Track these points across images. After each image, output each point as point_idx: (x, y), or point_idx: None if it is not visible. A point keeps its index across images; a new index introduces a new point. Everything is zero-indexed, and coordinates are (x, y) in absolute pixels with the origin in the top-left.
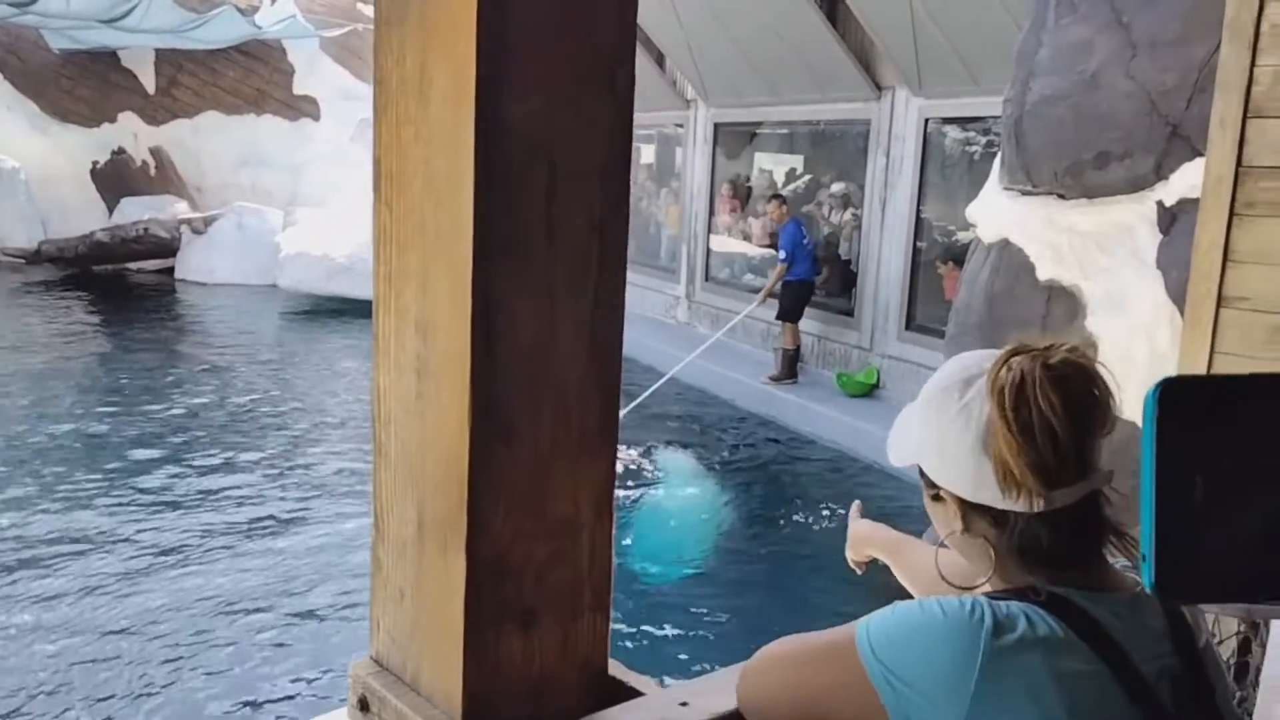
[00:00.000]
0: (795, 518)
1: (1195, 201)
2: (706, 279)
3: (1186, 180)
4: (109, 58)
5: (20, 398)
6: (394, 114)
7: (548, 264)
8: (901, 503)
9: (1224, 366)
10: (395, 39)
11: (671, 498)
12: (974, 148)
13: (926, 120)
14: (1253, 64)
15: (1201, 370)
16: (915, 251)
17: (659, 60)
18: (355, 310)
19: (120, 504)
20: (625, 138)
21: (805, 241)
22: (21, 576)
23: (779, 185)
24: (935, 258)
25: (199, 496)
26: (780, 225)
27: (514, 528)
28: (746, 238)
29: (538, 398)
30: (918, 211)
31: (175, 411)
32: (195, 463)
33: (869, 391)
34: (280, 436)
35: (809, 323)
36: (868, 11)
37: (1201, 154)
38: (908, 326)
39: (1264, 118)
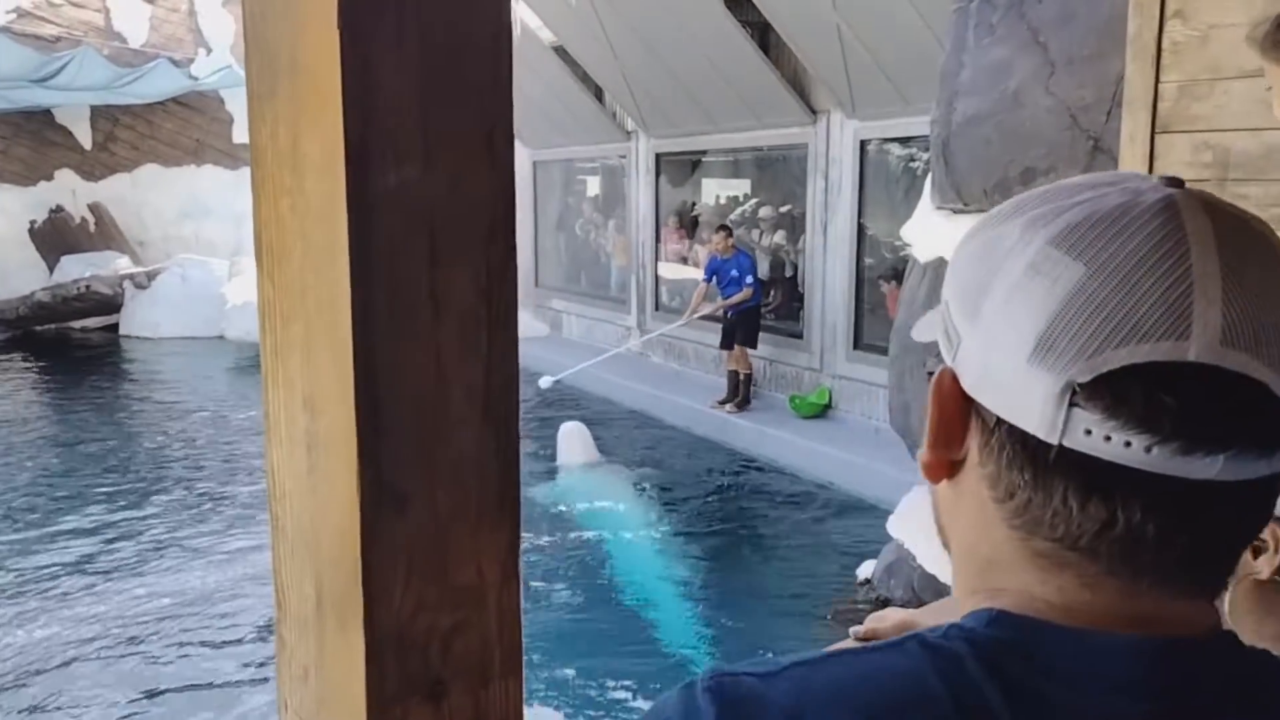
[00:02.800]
0: (749, 547)
1: None
2: (657, 308)
3: None
4: (43, 115)
5: None
6: (271, 187)
7: (433, 331)
8: (857, 536)
9: None
10: (268, 113)
11: (625, 528)
12: (915, 164)
13: (862, 141)
14: (1157, 80)
15: None
16: (859, 271)
17: (598, 94)
18: None
19: (65, 565)
20: (508, 199)
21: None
22: None
23: (726, 210)
24: (879, 276)
25: (149, 554)
26: (724, 256)
27: (415, 599)
28: (696, 265)
29: (431, 466)
30: (859, 231)
31: (120, 466)
32: (142, 525)
33: (822, 412)
34: (225, 488)
35: (760, 347)
36: (798, 38)
37: None
38: (856, 346)
39: (1170, 133)
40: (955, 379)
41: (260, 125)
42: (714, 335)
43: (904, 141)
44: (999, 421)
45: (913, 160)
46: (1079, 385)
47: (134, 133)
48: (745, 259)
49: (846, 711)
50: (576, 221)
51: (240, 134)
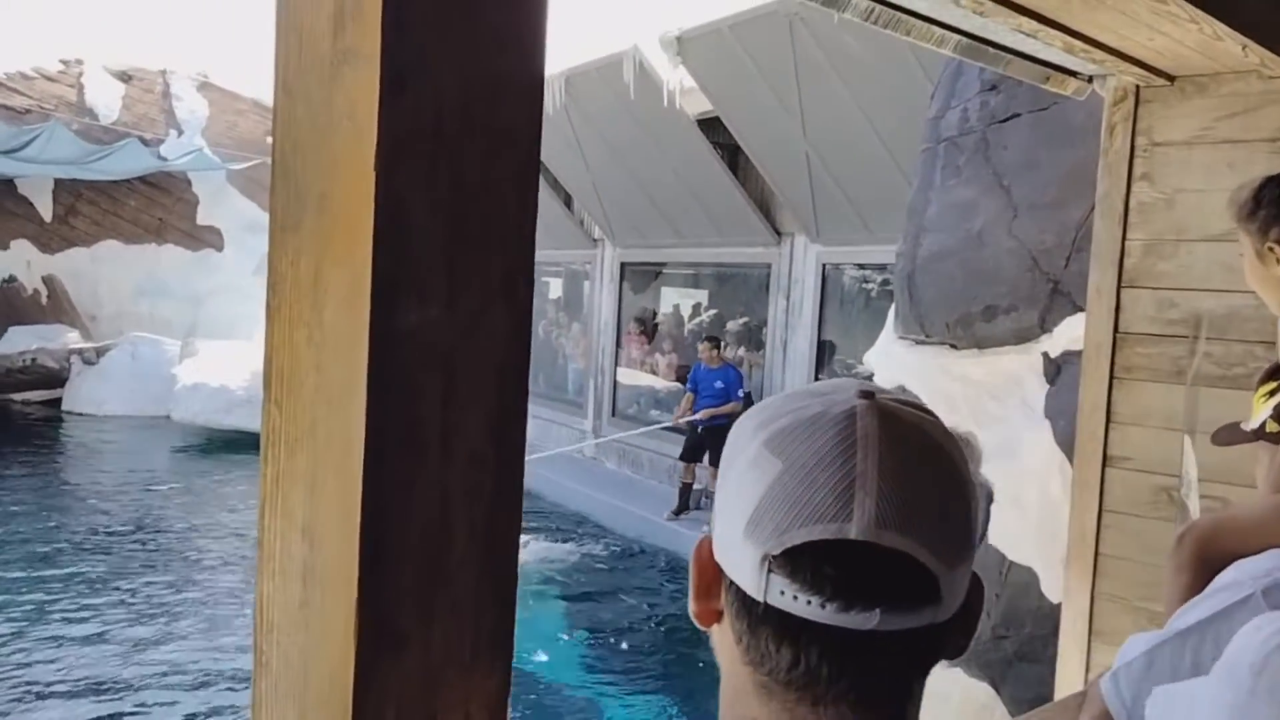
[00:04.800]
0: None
1: (1078, 354)
2: (614, 414)
3: (1068, 333)
4: (4, 185)
5: None
6: (287, 315)
7: (443, 470)
8: None
9: (1113, 524)
10: (290, 244)
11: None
12: (872, 287)
13: (824, 264)
14: (1124, 238)
15: (1093, 529)
16: None
17: (567, 201)
18: (253, 444)
19: None
20: (524, 344)
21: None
22: None
23: (685, 320)
24: None
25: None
26: (709, 366)
27: None
28: (654, 372)
29: (430, 606)
30: (819, 348)
31: (53, 546)
32: (64, 603)
33: None
34: (161, 572)
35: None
36: (767, 163)
37: (1081, 309)
38: None
39: (1136, 287)
40: (710, 544)
41: (281, 255)
42: (672, 445)
43: (866, 268)
44: (730, 582)
45: (869, 283)
46: (773, 556)
47: (96, 208)
48: (733, 372)
49: None
50: (540, 323)
51: (205, 216)
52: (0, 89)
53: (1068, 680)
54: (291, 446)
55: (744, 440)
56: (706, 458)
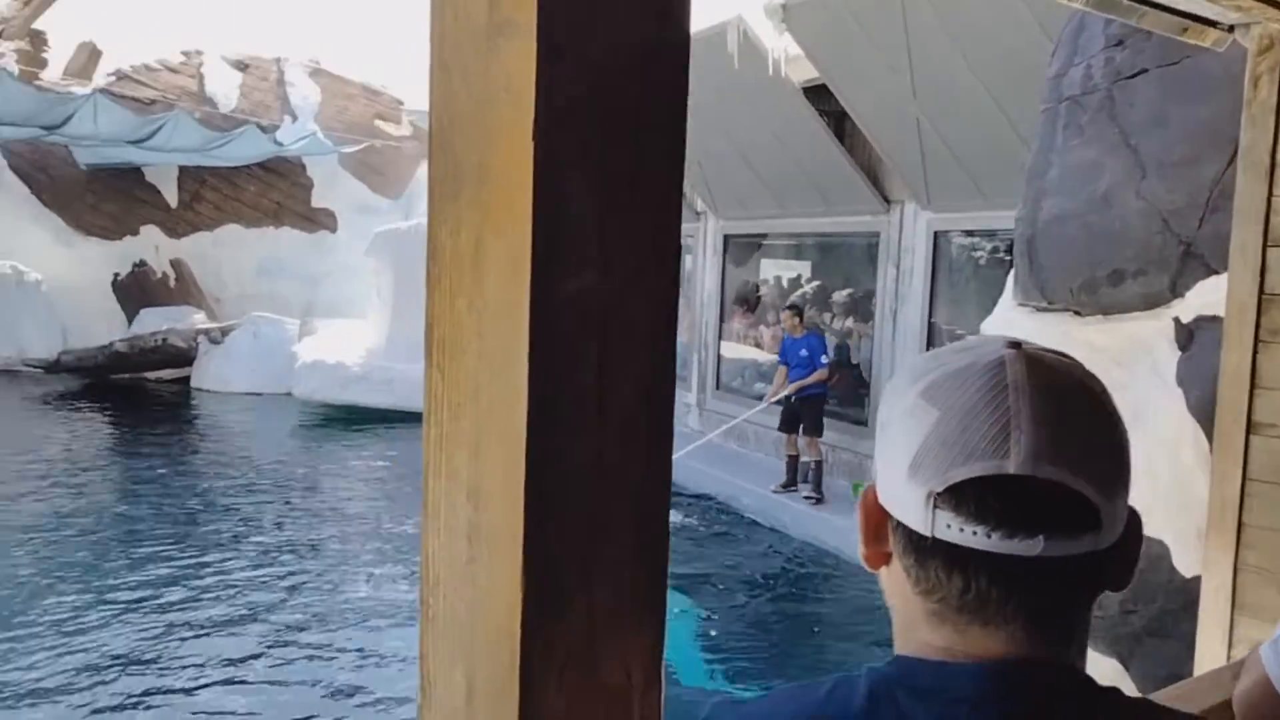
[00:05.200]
0: (811, 640)
1: (1212, 319)
2: (718, 387)
3: (1202, 298)
4: (133, 173)
5: (34, 505)
6: (448, 285)
7: (599, 433)
8: None
9: (1258, 494)
10: (450, 215)
11: (681, 616)
12: (982, 255)
13: (936, 232)
14: (1269, 194)
15: (1235, 498)
16: None
17: None
18: (369, 418)
19: (125, 613)
20: (672, 311)
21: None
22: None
23: (787, 292)
24: None
25: (206, 599)
26: (793, 335)
27: (566, 698)
28: (758, 345)
29: (590, 564)
30: (930, 320)
31: (186, 516)
32: (204, 571)
33: None
34: (289, 540)
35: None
36: (875, 129)
37: (1216, 271)
38: None
39: None
40: (875, 491)
41: (440, 225)
42: (774, 418)
43: (974, 234)
44: (897, 523)
45: (985, 252)
46: (937, 494)
47: (218, 193)
48: (815, 339)
49: None
50: None
51: (319, 199)
52: (127, 81)
53: (1209, 655)
54: (455, 411)
55: (899, 395)
56: (801, 428)
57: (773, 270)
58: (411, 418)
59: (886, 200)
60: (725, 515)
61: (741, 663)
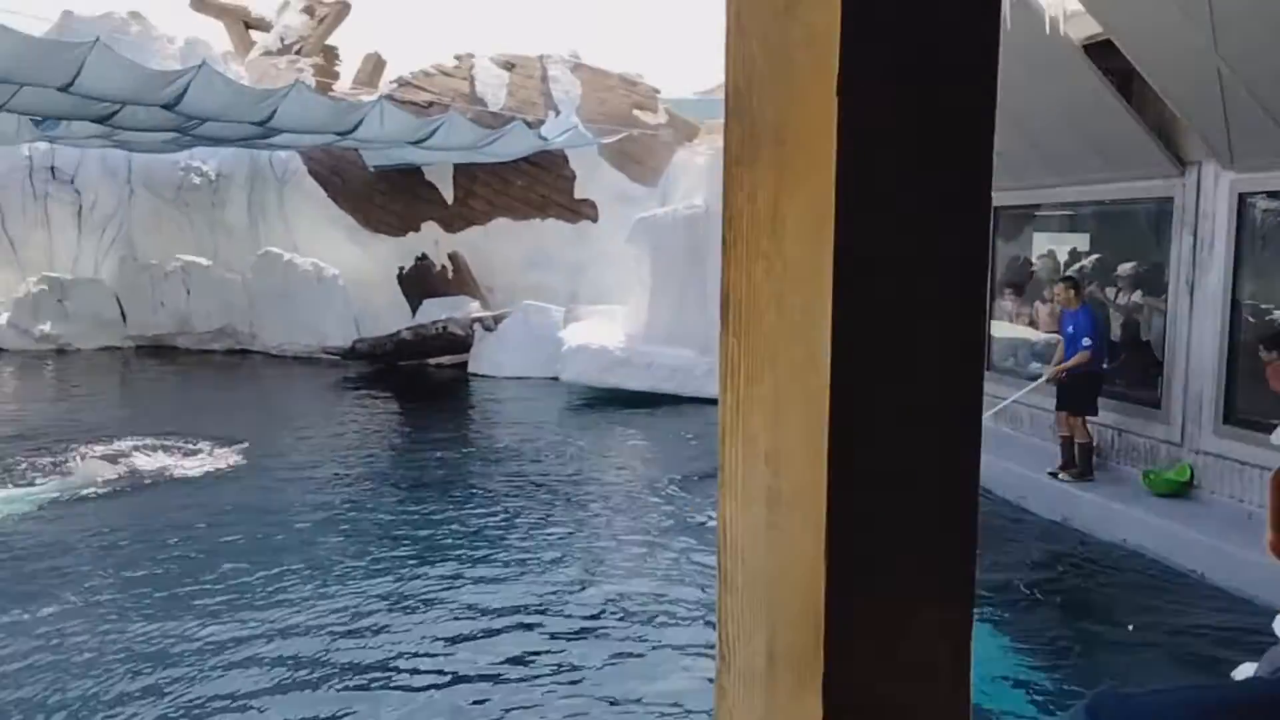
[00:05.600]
0: (1097, 639)
1: None
2: (989, 367)
3: None
4: (415, 173)
5: (335, 474)
6: (744, 249)
7: (909, 396)
8: (1232, 623)
9: None
10: (746, 178)
11: None
12: None
13: (1241, 195)
14: None
15: None
16: (1233, 336)
17: None
18: (630, 400)
19: (409, 586)
20: (981, 272)
21: (1099, 329)
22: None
23: (1062, 267)
24: (1258, 343)
25: (501, 577)
26: (1068, 309)
27: (870, 670)
28: (1032, 324)
29: (897, 535)
30: (1233, 293)
31: (469, 489)
32: (495, 544)
33: (1181, 491)
34: (560, 513)
35: (1105, 414)
36: (1169, 85)
37: None
38: (1226, 420)
39: None
40: None
41: (737, 190)
42: (1051, 398)
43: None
44: None
45: None
46: None
47: (489, 189)
48: (1085, 316)
49: None
50: None
51: (581, 190)
52: (408, 87)
53: None
54: (751, 375)
55: None
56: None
57: (1046, 244)
58: (669, 400)
59: (1181, 162)
60: (996, 503)
61: (1023, 668)
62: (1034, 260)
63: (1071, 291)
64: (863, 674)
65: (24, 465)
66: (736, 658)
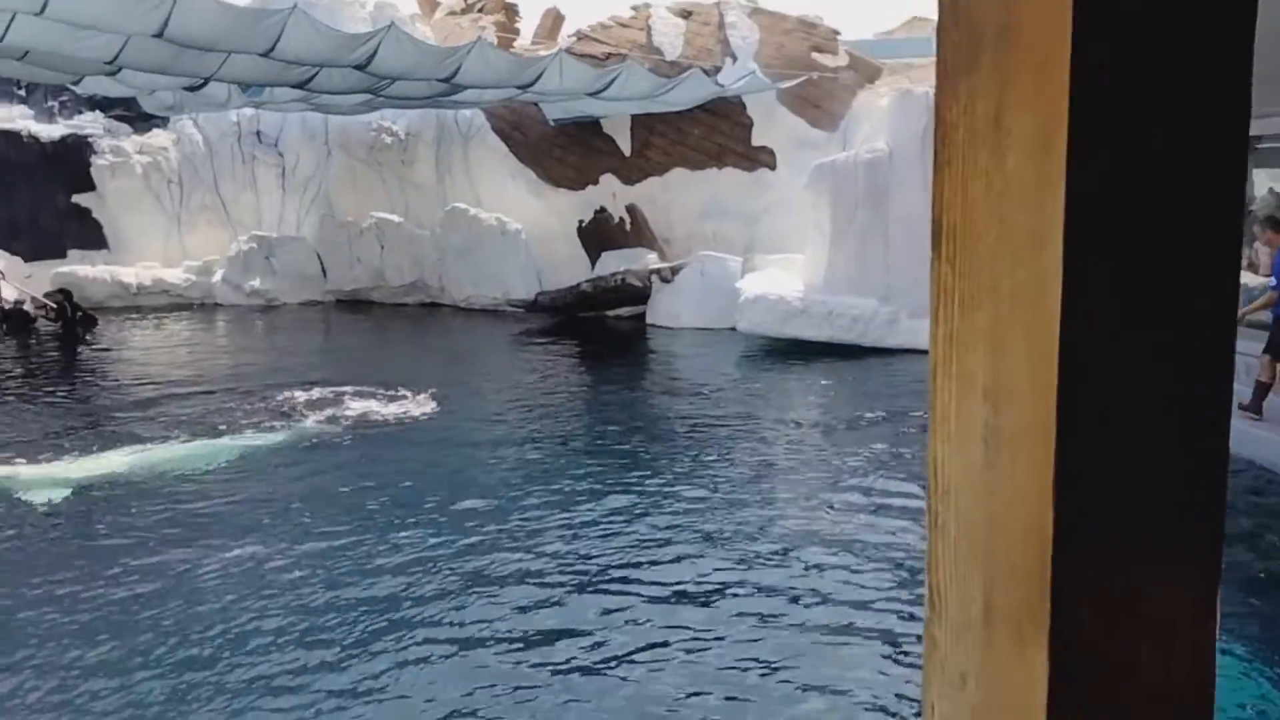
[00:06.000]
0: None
1: None
2: None
3: None
4: (593, 126)
5: (518, 421)
6: (959, 168)
7: (1147, 330)
8: None
9: None
10: (963, 89)
11: None
12: None
13: None
14: None
15: None
16: None
17: None
18: (809, 351)
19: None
20: (1238, 196)
21: None
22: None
23: None
24: None
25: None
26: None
27: (1103, 622)
28: (1251, 266)
29: (1132, 480)
30: None
31: (645, 433)
32: (675, 493)
33: None
34: (746, 467)
35: None
36: None
37: None
38: None
39: None
40: None
41: (952, 103)
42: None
43: None
44: None
45: None
46: None
47: (666, 139)
48: None
49: None
50: None
51: (759, 137)
52: (585, 40)
53: None
54: (967, 305)
55: None
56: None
57: (1267, 181)
58: (849, 350)
59: None
60: None
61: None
62: (1254, 197)
63: (1269, 231)
64: (1093, 630)
65: (241, 412)
66: (948, 607)
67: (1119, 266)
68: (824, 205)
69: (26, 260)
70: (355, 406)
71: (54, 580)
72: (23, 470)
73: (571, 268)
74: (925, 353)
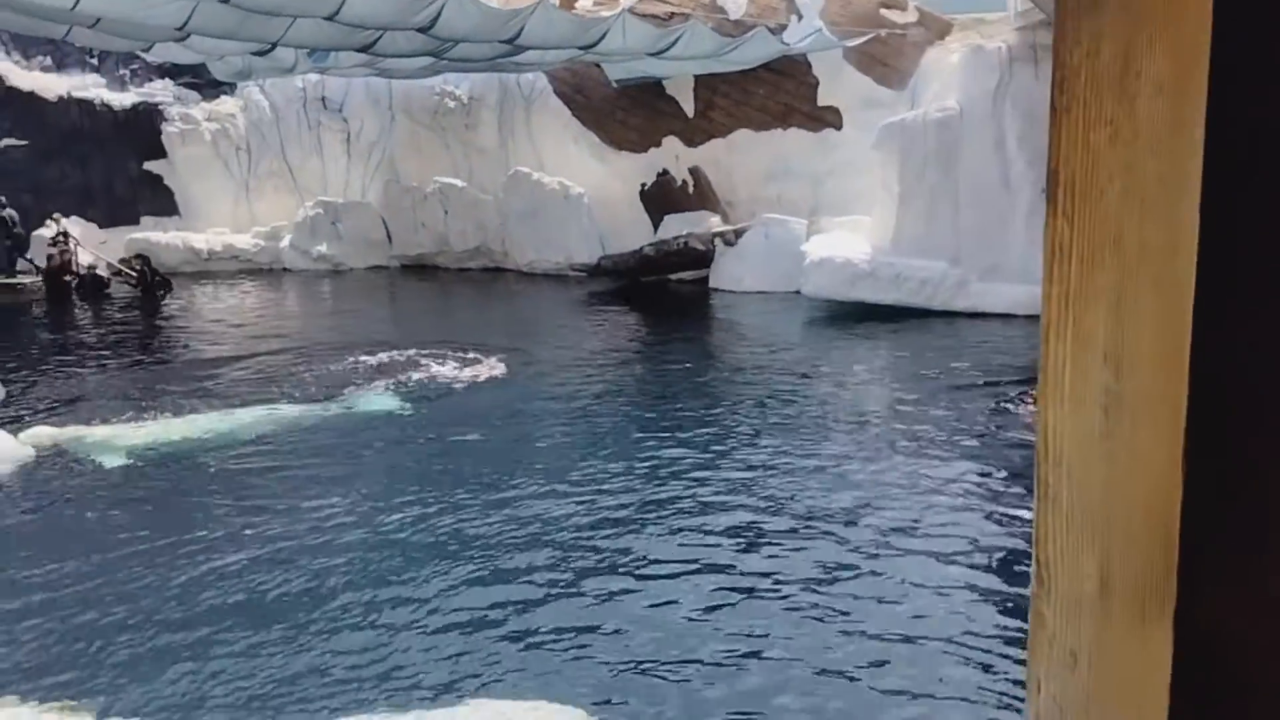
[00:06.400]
0: None
1: None
2: None
3: None
4: (655, 88)
5: (591, 389)
6: (1080, 115)
7: None
8: None
9: None
10: (1085, 30)
11: None
12: None
13: None
14: None
15: None
16: None
17: None
18: (876, 315)
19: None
20: None
21: None
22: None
23: None
24: None
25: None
26: None
27: (1233, 607)
28: None
29: (1272, 454)
30: None
31: (710, 398)
32: (735, 459)
33: None
34: (813, 431)
35: None
36: None
37: None
38: None
39: None
40: None
41: (1073, 44)
42: None
43: None
44: None
45: None
46: None
47: (729, 100)
48: None
49: None
50: None
51: (825, 96)
52: (648, 0)
53: None
54: (1087, 261)
55: None
56: None
57: None
58: (917, 314)
59: None
60: None
61: None
62: None
63: None
64: (1224, 610)
65: (311, 375)
66: (1058, 581)
67: (1265, 221)
68: (892, 166)
69: (101, 227)
70: (426, 369)
71: (139, 538)
72: (98, 430)
73: (634, 231)
74: (995, 317)
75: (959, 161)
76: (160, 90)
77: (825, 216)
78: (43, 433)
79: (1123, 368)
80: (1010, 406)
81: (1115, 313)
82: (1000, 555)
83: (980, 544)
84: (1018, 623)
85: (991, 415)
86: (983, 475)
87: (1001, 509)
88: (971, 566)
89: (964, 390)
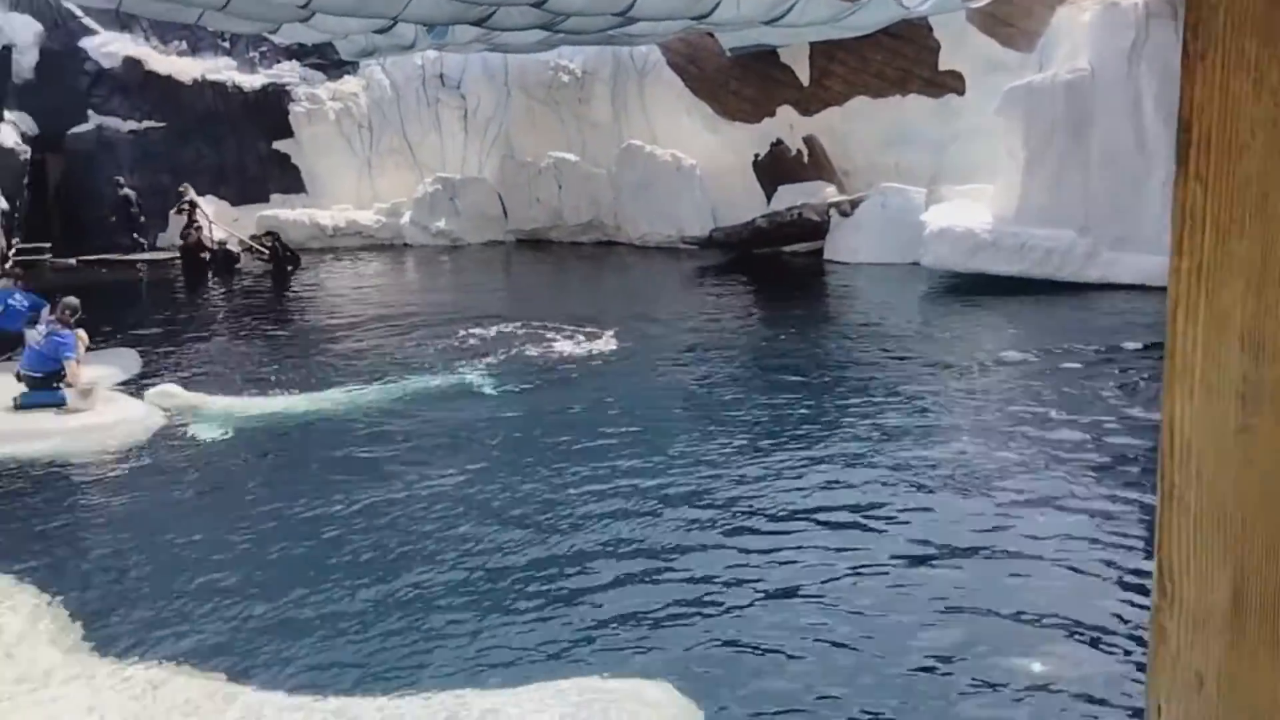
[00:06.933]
0: None
1: None
2: None
3: None
4: (769, 56)
5: (706, 363)
6: (1217, 62)
7: None
8: None
9: None
10: None
11: None
12: None
13: None
14: None
15: None
16: None
17: None
18: (998, 286)
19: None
20: None
21: None
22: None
23: None
24: None
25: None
26: None
27: None
28: None
29: None
30: None
31: (833, 379)
32: (852, 433)
33: None
34: (933, 409)
35: None
36: None
37: None
38: None
39: None
40: None
41: None
42: None
43: None
44: None
45: None
46: None
47: (846, 67)
48: None
49: None
50: None
51: (946, 61)
52: None
53: None
54: (1221, 229)
55: None
56: None
57: None
58: (1043, 286)
59: None
60: None
61: None
62: None
63: None
64: None
65: (433, 348)
66: (1183, 593)
67: None
68: (1017, 131)
69: (233, 205)
70: (543, 343)
71: (265, 507)
72: (226, 401)
73: (747, 203)
74: (1127, 288)
75: (1090, 125)
76: (288, 71)
77: (946, 185)
78: (172, 398)
79: (1264, 352)
80: (1141, 383)
81: (1256, 289)
82: (1121, 549)
83: (1099, 535)
84: (1136, 620)
85: (1130, 395)
86: (1106, 459)
87: (1125, 496)
88: (1089, 555)
89: (1096, 365)
